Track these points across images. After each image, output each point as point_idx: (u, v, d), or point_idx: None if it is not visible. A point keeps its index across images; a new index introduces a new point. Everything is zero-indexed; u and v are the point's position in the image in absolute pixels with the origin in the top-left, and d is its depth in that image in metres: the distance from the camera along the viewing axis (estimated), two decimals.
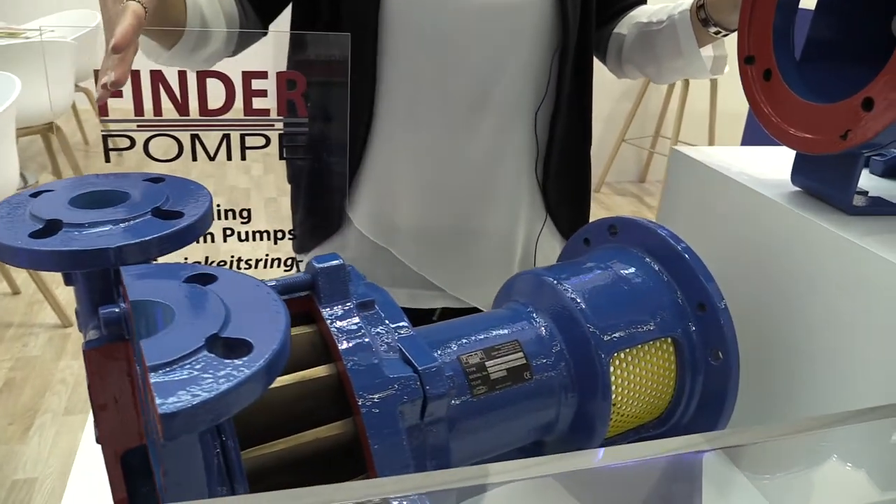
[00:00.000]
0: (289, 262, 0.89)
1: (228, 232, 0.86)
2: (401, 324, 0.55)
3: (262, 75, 0.80)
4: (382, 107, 0.96)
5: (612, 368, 0.63)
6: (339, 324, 0.52)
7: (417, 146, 0.97)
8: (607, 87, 3.90)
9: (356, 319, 0.53)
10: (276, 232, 0.87)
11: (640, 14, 1.04)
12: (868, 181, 0.88)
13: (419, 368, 0.51)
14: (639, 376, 0.66)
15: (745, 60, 0.80)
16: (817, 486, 0.62)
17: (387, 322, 0.55)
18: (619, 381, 0.64)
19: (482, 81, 0.94)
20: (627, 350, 0.65)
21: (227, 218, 0.86)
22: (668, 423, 0.70)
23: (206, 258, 0.87)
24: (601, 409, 0.63)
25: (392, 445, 0.49)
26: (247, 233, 0.87)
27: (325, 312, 0.53)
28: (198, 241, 0.91)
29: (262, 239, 0.87)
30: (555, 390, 0.63)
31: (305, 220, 0.96)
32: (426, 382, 0.51)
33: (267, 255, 0.88)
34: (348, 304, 0.54)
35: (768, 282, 0.77)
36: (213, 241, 0.86)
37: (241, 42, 0.94)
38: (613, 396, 0.64)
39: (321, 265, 0.54)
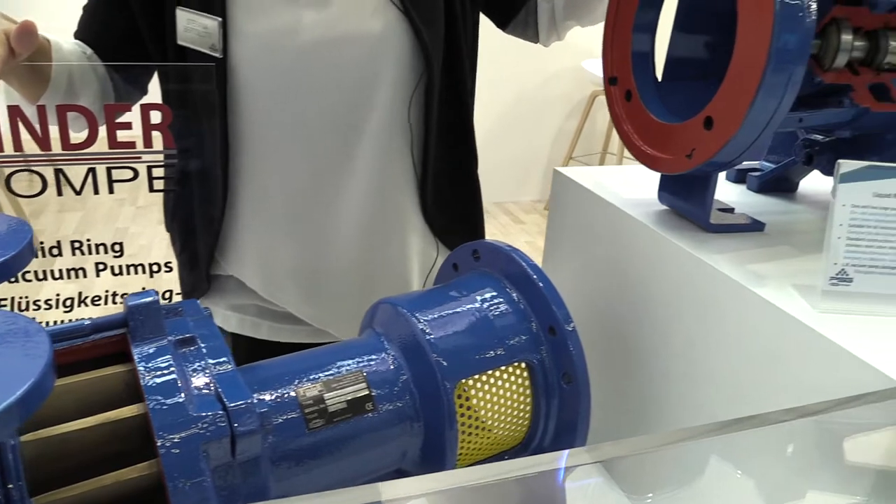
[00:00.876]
0: (167, 295, 0.87)
1: (101, 266, 0.85)
2: (221, 359, 0.54)
3: (126, 108, 0.79)
4: (240, 173, 0.92)
5: (461, 396, 0.63)
6: (148, 362, 0.51)
7: (287, 206, 0.94)
8: (554, 106, 3.94)
9: (167, 357, 0.52)
10: (151, 265, 0.86)
11: None
12: (744, 197, 0.89)
13: (228, 405, 0.50)
14: (493, 402, 0.65)
15: (609, 81, 0.80)
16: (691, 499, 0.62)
17: (207, 359, 0.54)
18: (470, 408, 0.64)
19: (345, 122, 0.91)
20: (476, 377, 0.64)
21: (98, 252, 0.84)
22: (529, 448, 0.69)
23: (80, 294, 0.86)
24: (449, 437, 0.62)
25: (193, 486, 0.47)
26: (120, 266, 0.85)
27: (136, 351, 0.52)
28: (69, 278, 0.90)
29: (136, 273, 0.86)
30: (400, 420, 0.62)
31: (183, 253, 0.94)
32: (234, 419, 0.50)
33: (143, 288, 0.87)
34: (163, 341, 0.53)
35: (636, 301, 0.77)
36: (85, 276, 0.85)
37: (125, 95, 0.93)
38: (467, 423, 0.63)
39: (133, 302, 0.53)
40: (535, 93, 3.87)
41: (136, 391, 0.53)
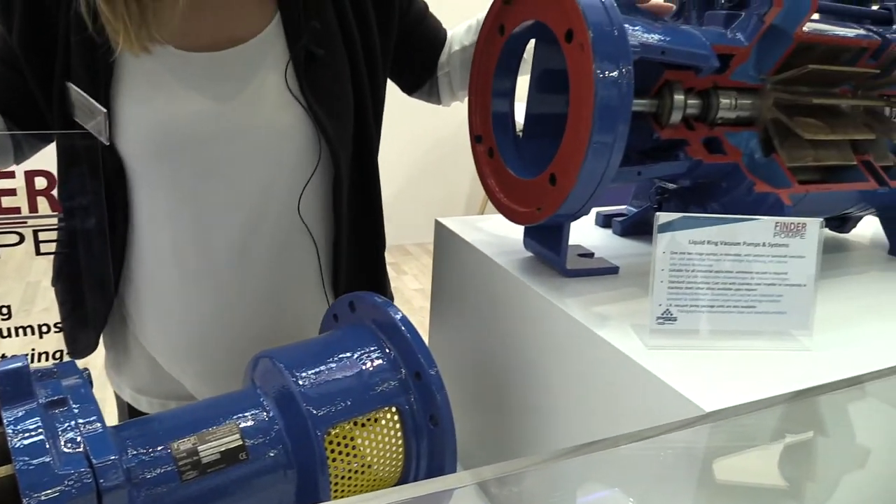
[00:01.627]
0: (57, 355, 0.89)
1: None
2: (91, 419, 0.57)
3: (10, 175, 0.81)
4: (138, 257, 0.91)
5: (333, 442, 0.66)
6: (16, 425, 0.54)
7: (184, 293, 0.91)
8: (465, 165, 4.03)
9: (36, 419, 0.55)
10: (40, 326, 0.88)
11: (452, 44, 1.03)
12: (609, 240, 0.97)
13: (94, 462, 0.53)
14: (365, 446, 0.69)
15: (475, 139, 0.87)
16: None
17: (77, 419, 0.57)
18: (343, 452, 0.68)
19: (244, 213, 0.88)
20: (348, 423, 0.68)
21: None
22: None
23: None
24: (321, 482, 0.66)
25: None
26: (9, 329, 0.87)
27: (5, 414, 0.54)
28: None
29: (26, 334, 0.88)
30: (274, 469, 0.65)
31: (71, 316, 0.90)
32: (100, 476, 0.53)
33: (33, 349, 0.88)
34: (33, 403, 0.56)
35: (506, 342, 0.83)
36: None
37: (23, 153, 0.91)
38: (340, 467, 0.67)
39: (2, 369, 0.56)
40: (455, 134, 3.98)
41: (5, 454, 0.55)
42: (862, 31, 0.88)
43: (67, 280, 0.92)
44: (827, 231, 1.07)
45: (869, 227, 1.06)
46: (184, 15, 0.77)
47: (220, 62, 0.82)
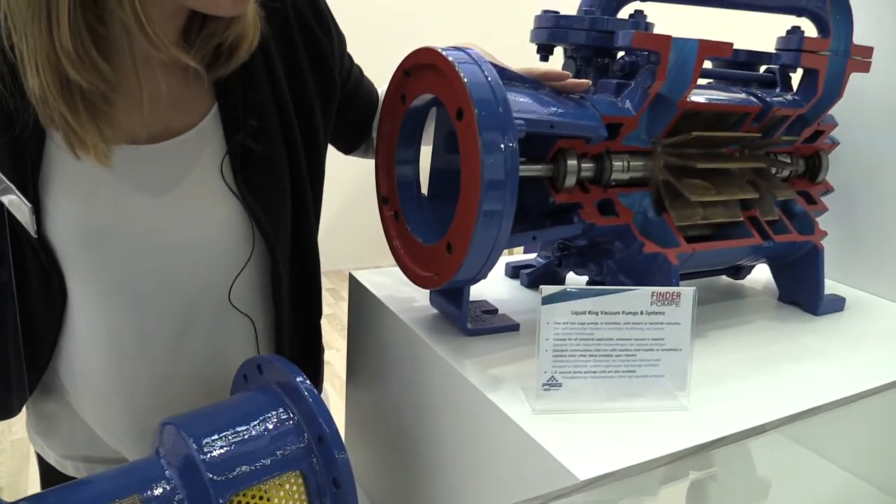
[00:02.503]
0: None
1: None
2: None
3: None
4: (74, 343, 0.90)
5: None
6: None
7: (121, 379, 0.90)
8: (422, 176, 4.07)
9: None
10: None
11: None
12: (516, 292, 1.01)
13: None
14: None
15: (382, 201, 0.90)
16: None
17: None
18: None
19: (179, 323, 0.88)
20: (252, 489, 0.70)
21: None
22: None
23: None
24: None
25: None
26: None
27: None
28: None
29: None
30: None
31: None
32: None
33: None
34: None
35: (412, 399, 0.86)
36: None
37: None
38: None
39: None
40: None
41: None
42: (745, 97, 0.94)
43: None
44: (723, 278, 1.13)
45: (764, 272, 1.12)
46: (116, 105, 0.75)
47: (155, 155, 0.80)
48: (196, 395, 0.91)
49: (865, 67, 0.99)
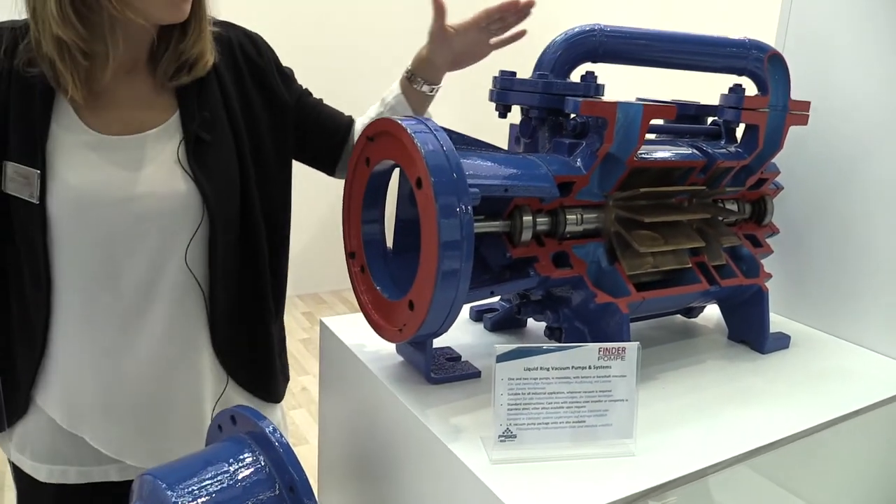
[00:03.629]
0: None
1: None
2: None
3: None
4: (59, 309, 1.06)
5: None
6: None
7: (95, 339, 1.06)
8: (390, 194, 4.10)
9: None
10: None
11: (364, 122, 1.25)
12: (479, 337, 1.05)
13: None
14: None
15: (349, 256, 0.94)
16: None
17: None
18: None
19: (147, 268, 1.05)
20: None
21: None
22: None
23: None
24: None
25: None
26: None
27: None
28: None
29: None
30: None
31: None
32: None
33: None
34: None
35: (380, 445, 0.90)
36: None
37: None
38: None
39: None
40: None
41: None
42: (691, 151, 1.00)
43: None
44: (678, 317, 1.19)
45: (717, 310, 1.18)
46: (106, 107, 1.03)
47: (129, 144, 1.03)
48: (153, 372, 1.09)
49: (804, 120, 1.06)
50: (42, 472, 1.12)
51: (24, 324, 1.07)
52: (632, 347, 0.76)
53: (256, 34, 1.20)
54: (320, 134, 1.24)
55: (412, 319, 0.81)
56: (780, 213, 1.15)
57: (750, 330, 1.10)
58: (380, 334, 0.88)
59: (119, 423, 1.10)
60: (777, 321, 1.22)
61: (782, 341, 1.10)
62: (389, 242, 0.96)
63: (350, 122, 1.27)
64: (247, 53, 1.16)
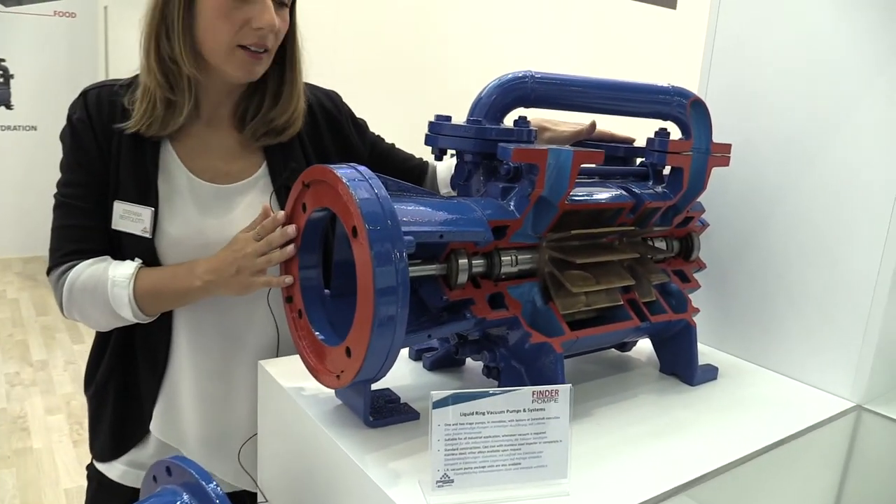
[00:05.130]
0: None
1: None
2: None
3: None
4: (177, 332, 1.17)
5: None
6: None
7: (200, 375, 1.18)
8: None
9: None
10: None
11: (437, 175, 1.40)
12: (418, 377, 1.06)
13: None
14: None
15: (287, 300, 0.94)
16: None
17: None
18: None
19: (240, 319, 1.18)
20: None
21: None
22: None
23: None
24: None
25: None
26: None
27: None
28: None
29: None
30: None
31: (110, 430, 1.20)
32: None
33: None
34: None
35: (325, 489, 0.90)
36: None
37: None
38: None
39: None
40: None
41: None
42: (620, 193, 1.04)
43: (113, 403, 1.21)
44: (612, 350, 1.22)
45: (649, 343, 1.21)
46: (198, 152, 1.16)
47: (224, 192, 1.16)
48: (245, 402, 1.19)
49: (725, 162, 1.11)
50: (129, 477, 1.22)
51: (146, 347, 1.17)
52: (564, 389, 0.78)
53: (334, 92, 1.33)
54: (393, 168, 1.34)
55: (350, 366, 0.81)
56: (706, 249, 1.20)
57: (679, 363, 1.14)
58: (318, 380, 0.88)
59: (213, 445, 1.20)
60: (705, 351, 1.26)
61: (710, 373, 1.15)
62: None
63: (422, 164, 1.40)
64: (325, 109, 1.28)
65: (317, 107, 1.27)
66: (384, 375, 0.84)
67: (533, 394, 0.77)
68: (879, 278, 1.07)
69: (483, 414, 0.75)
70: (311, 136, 1.24)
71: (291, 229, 0.94)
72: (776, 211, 1.20)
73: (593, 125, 1.19)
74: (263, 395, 1.04)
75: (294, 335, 0.92)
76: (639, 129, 1.23)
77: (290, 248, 0.95)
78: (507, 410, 0.76)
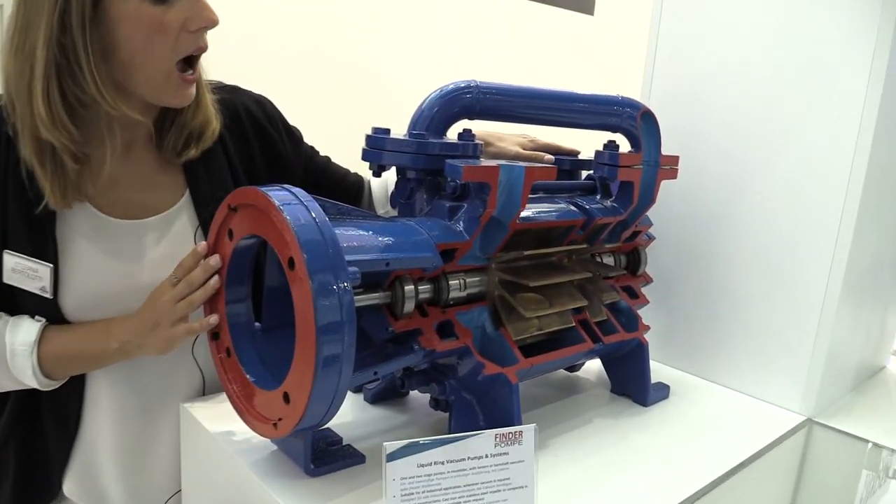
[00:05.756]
0: None
1: None
2: None
3: None
4: (89, 410, 1.00)
5: None
6: None
7: (119, 430, 1.00)
8: None
9: None
10: None
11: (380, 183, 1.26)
12: (360, 411, 0.98)
13: None
14: None
15: (212, 337, 0.84)
16: None
17: None
18: None
19: (163, 370, 1.00)
20: None
21: None
22: None
23: None
24: None
25: None
26: None
27: None
28: None
29: None
30: None
31: (12, 497, 1.00)
32: None
33: None
34: None
35: None
36: None
37: None
38: None
39: None
40: None
41: None
42: (570, 209, 0.98)
43: (16, 461, 1.00)
44: (561, 371, 1.17)
45: (597, 362, 1.17)
46: (108, 186, 0.92)
47: (141, 229, 0.96)
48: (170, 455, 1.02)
49: (673, 175, 1.07)
50: None
51: (54, 403, 0.99)
52: (528, 431, 0.71)
53: (264, 97, 1.13)
54: (328, 195, 1.14)
55: (289, 413, 0.72)
56: (652, 263, 1.16)
57: (631, 383, 1.09)
58: (252, 429, 0.79)
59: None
60: (654, 367, 1.22)
61: (662, 392, 1.11)
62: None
63: (359, 181, 1.25)
64: (254, 117, 1.09)
65: (244, 114, 1.08)
66: (329, 421, 0.76)
67: (495, 437, 0.70)
68: (828, 289, 1.06)
69: (442, 464, 0.68)
70: (238, 148, 1.06)
71: (214, 260, 0.82)
72: (722, 222, 1.17)
73: (552, 161, 1.13)
74: (188, 442, 0.94)
75: (222, 377, 0.83)
76: (581, 141, 1.18)
77: (214, 281, 0.83)
78: (468, 458, 0.69)
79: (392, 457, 0.66)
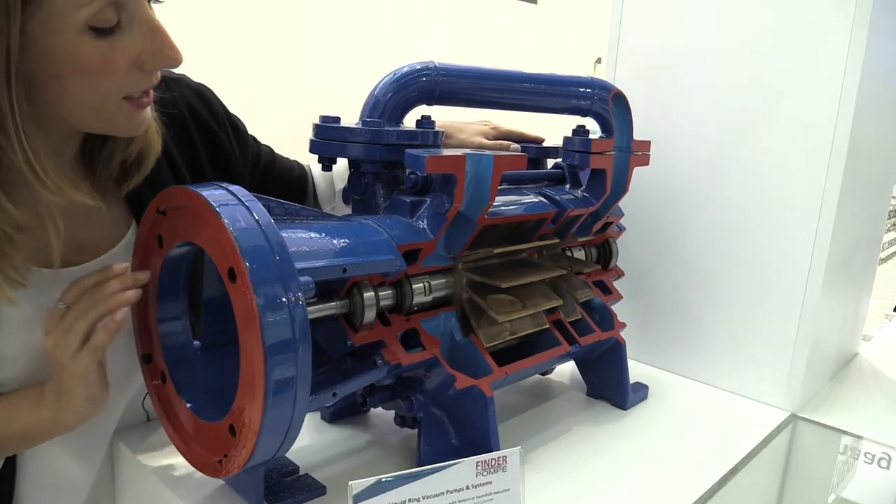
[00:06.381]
0: None
1: None
2: None
3: None
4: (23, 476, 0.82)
5: None
6: None
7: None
8: None
9: None
10: None
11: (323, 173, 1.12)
12: (318, 433, 0.88)
13: None
14: None
15: (144, 359, 0.74)
16: None
17: None
18: None
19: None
20: None
21: None
22: None
23: None
24: None
25: None
26: None
27: None
28: None
29: None
30: None
31: None
32: None
33: None
34: None
35: None
36: None
37: None
38: None
39: None
40: None
41: None
42: (539, 201, 0.90)
43: None
44: (534, 377, 1.09)
45: (569, 364, 1.09)
46: (34, 228, 0.71)
47: (73, 277, 0.73)
48: None
49: (646, 161, 1.00)
50: None
51: None
52: (513, 455, 0.63)
53: (204, 86, 0.97)
54: (280, 183, 1.08)
55: (236, 449, 0.62)
56: (622, 255, 1.09)
57: (609, 386, 1.02)
58: (194, 466, 0.68)
59: None
60: (629, 365, 1.16)
61: (641, 393, 1.04)
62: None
63: (303, 174, 1.12)
64: (199, 116, 0.93)
65: (188, 114, 0.92)
66: (284, 453, 0.66)
67: (477, 465, 0.61)
68: (810, 276, 1.00)
69: (418, 500, 0.59)
70: (185, 158, 0.90)
71: (143, 275, 0.70)
72: (697, 212, 1.11)
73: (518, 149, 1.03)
74: (121, 480, 0.83)
75: (157, 409, 0.72)
76: (543, 128, 1.10)
77: (130, 295, 0.69)
78: (447, 491, 0.60)
79: (359, 497, 0.56)
